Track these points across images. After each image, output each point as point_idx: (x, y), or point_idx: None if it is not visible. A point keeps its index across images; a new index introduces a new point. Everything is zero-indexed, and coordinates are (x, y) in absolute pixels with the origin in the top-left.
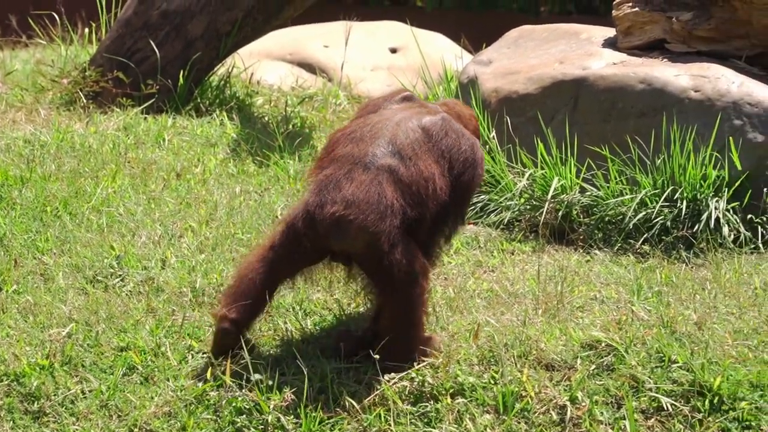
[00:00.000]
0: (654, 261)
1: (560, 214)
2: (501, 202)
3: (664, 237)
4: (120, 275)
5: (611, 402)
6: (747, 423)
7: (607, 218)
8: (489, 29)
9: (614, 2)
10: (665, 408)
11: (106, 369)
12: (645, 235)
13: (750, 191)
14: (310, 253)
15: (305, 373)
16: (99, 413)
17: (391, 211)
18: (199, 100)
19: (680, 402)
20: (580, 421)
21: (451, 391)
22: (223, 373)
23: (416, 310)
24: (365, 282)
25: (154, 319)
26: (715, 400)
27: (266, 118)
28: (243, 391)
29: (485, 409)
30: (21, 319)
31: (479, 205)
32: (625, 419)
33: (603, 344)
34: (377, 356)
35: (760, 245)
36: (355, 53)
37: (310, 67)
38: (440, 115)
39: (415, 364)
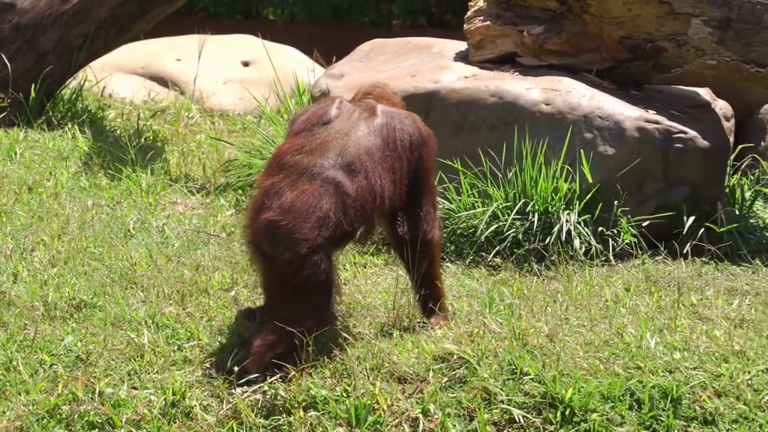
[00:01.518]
0: (506, 274)
1: None
2: None
3: (515, 250)
4: None
5: (463, 414)
6: None
7: (459, 231)
8: (341, 42)
9: (465, 16)
10: (517, 420)
11: None
12: (497, 248)
13: (601, 204)
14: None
15: (157, 386)
16: None
17: (324, 223)
18: (51, 114)
19: (532, 414)
20: None
21: (303, 404)
22: (75, 386)
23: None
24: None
25: (5, 333)
26: (567, 412)
27: (118, 132)
28: (95, 404)
29: (338, 422)
30: None
31: None
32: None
33: (455, 357)
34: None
35: (611, 257)
36: (207, 67)
37: (162, 81)
38: (384, 117)
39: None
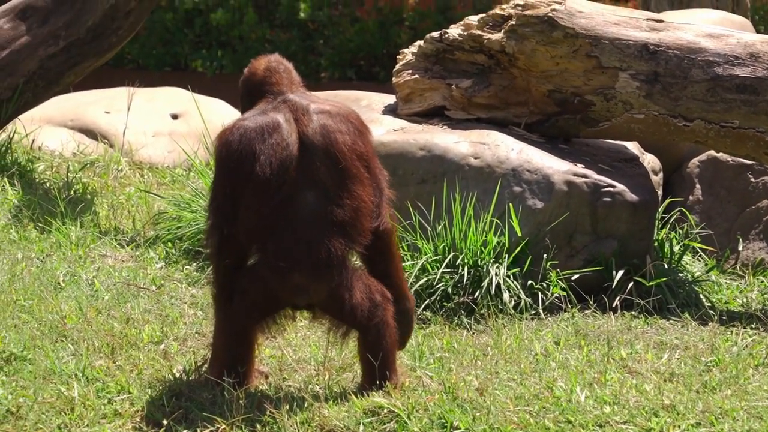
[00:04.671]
0: (435, 327)
1: None
2: None
3: (445, 303)
4: None
5: None
6: None
7: None
8: None
9: (394, 69)
10: None
11: None
12: (426, 301)
13: (530, 257)
14: (271, 309)
15: None
16: None
17: (339, 260)
18: None
19: None
20: None
21: None
22: None
23: (387, 339)
24: (332, 322)
25: None
26: None
27: (48, 184)
28: None
29: None
30: None
31: None
32: None
33: (385, 410)
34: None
35: (540, 311)
36: (136, 119)
37: (91, 133)
38: (319, 122)
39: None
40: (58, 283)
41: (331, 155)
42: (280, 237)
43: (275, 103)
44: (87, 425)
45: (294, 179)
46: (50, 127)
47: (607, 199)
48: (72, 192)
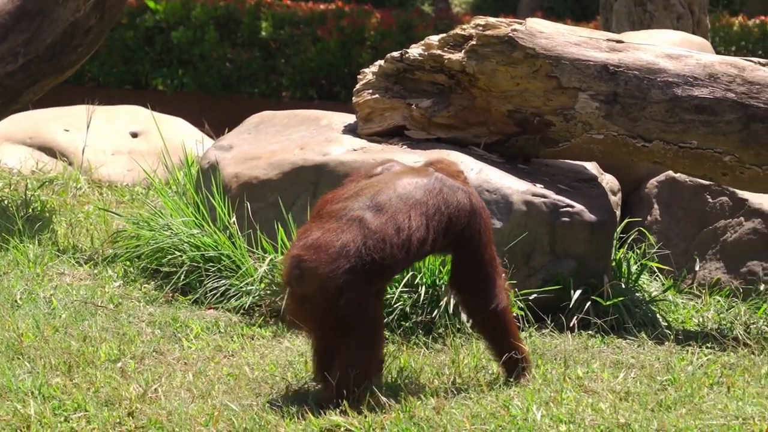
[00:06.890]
0: (393, 346)
1: None
2: (241, 287)
3: (403, 322)
4: None
5: None
6: None
7: None
8: (230, 114)
9: (354, 89)
10: None
11: None
12: (385, 321)
13: None
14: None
15: None
16: None
17: (342, 254)
18: None
19: None
20: None
21: None
22: None
23: (361, 361)
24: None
25: None
26: None
27: (6, 202)
28: None
29: None
30: None
31: (220, 289)
32: None
33: (342, 428)
34: None
35: None
36: (95, 137)
37: (50, 151)
38: (434, 175)
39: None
40: (15, 300)
41: (424, 195)
42: (310, 226)
43: None
44: None
45: (359, 192)
46: (9, 145)
47: (566, 219)
48: (30, 210)
